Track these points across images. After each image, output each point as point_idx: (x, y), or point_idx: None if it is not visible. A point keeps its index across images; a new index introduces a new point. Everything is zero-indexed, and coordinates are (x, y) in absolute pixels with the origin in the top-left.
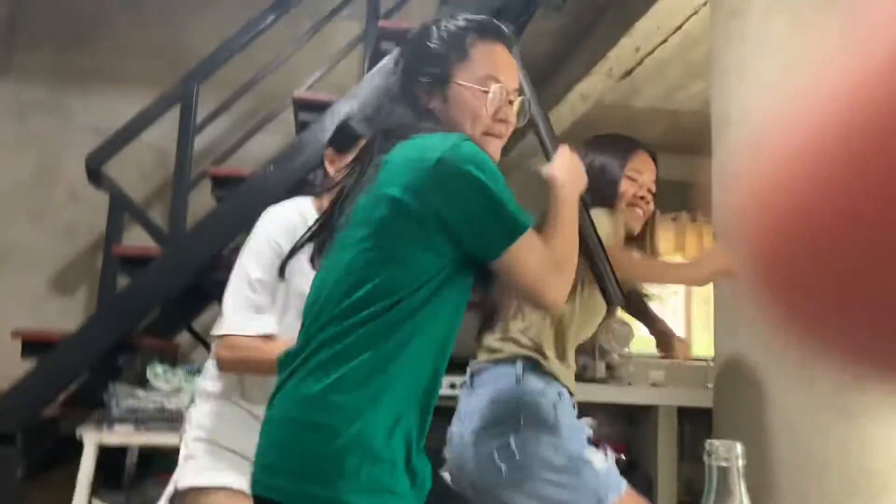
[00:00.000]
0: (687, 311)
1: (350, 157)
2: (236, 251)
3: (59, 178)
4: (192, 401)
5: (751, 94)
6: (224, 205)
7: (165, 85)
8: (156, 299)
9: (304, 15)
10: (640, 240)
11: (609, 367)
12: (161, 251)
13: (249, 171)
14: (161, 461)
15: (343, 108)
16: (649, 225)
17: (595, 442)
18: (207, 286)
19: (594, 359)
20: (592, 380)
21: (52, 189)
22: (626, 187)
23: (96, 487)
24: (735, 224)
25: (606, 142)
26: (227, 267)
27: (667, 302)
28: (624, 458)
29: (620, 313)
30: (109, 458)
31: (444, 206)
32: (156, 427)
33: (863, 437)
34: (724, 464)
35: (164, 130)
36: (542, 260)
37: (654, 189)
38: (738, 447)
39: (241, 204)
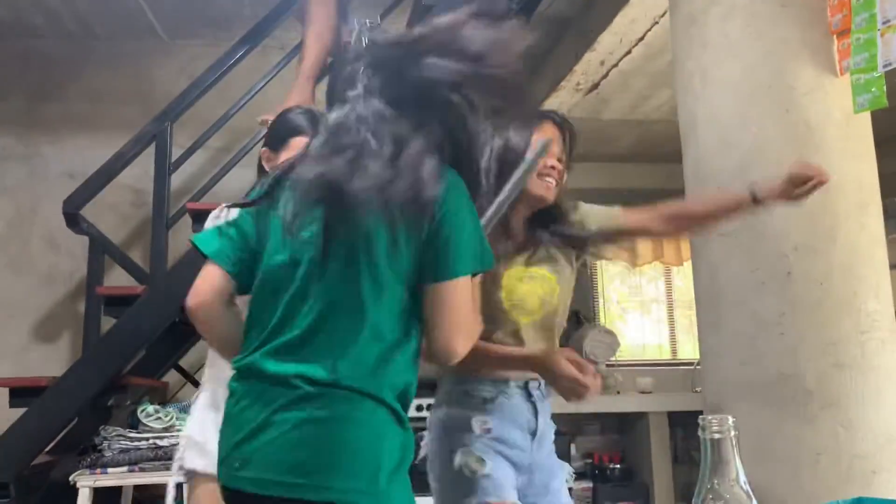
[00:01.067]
0: (670, 317)
1: (286, 155)
2: None
3: (35, 225)
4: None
5: (715, 97)
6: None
7: (137, 129)
8: (142, 338)
9: (274, 47)
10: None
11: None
12: (145, 290)
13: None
14: (156, 498)
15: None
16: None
17: None
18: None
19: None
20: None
21: (30, 237)
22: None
23: None
24: None
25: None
26: None
27: (649, 309)
28: (619, 466)
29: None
30: (104, 499)
31: None
32: (150, 467)
33: (848, 423)
34: (717, 436)
35: (140, 171)
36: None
37: (563, 158)
38: (731, 419)
39: None
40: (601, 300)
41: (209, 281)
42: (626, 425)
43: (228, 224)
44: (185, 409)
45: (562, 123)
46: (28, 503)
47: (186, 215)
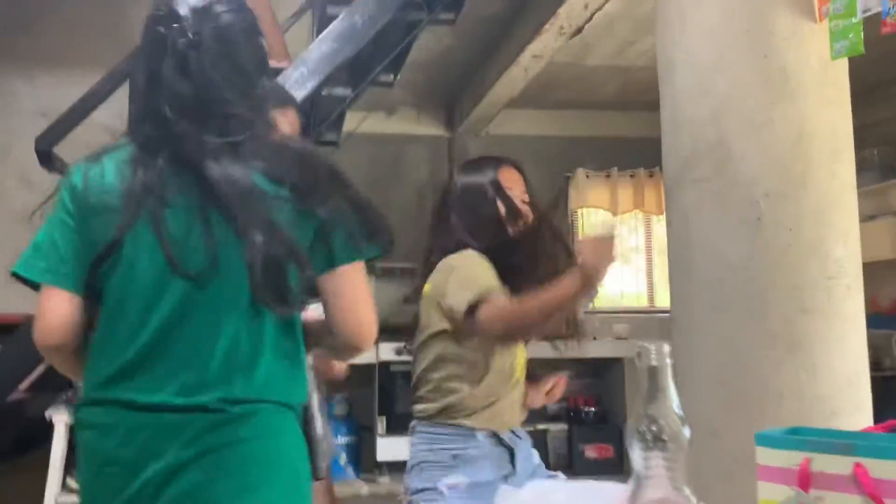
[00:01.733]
0: (648, 266)
1: None
2: None
3: (9, 164)
4: None
5: (693, 41)
6: None
7: (112, 66)
8: None
9: None
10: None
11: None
12: None
13: None
14: None
15: (293, 75)
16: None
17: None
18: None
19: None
20: (557, 336)
21: (4, 176)
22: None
23: (70, 468)
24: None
25: (472, 165)
26: None
27: (630, 259)
28: (594, 409)
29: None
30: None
31: None
32: None
33: (811, 367)
34: (654, 363)
35: (116, 109)
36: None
37: (527, 199)
38: (666, 347)
39: None
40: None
41: (55, 313)
42: (602, 370)
43: (45, 235)
44: None
45: (517, 166)
46: (3, 440)
47: None
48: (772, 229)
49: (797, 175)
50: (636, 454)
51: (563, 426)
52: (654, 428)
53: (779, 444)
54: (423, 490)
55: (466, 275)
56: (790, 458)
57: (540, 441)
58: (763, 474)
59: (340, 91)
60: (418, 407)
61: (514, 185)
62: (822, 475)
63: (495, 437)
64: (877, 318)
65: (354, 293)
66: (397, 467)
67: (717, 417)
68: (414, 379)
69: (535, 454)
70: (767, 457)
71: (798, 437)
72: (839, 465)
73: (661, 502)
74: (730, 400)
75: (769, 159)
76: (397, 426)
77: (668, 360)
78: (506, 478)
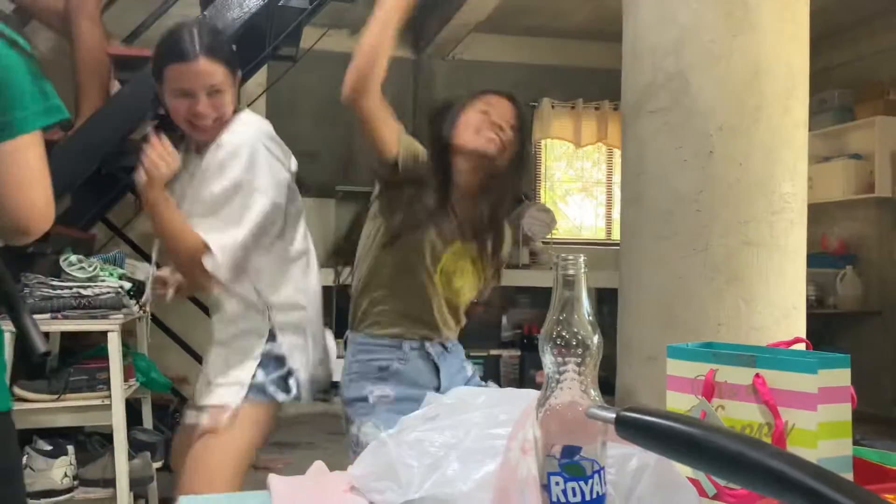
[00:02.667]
0: (608, 199)
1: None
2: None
3: None
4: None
5: None
6: (128, 87)
7: None
8: (62, 186)
9: None
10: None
11: (532, 254)
12: (64, 136)
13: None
14: (82, 350)
15: None
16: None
17: None
18: (117, 172)
19: (518, 246)
20: (516, 266)
21: None
22: (474, 116)
23: (16, 377)
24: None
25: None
26: (136, 152)
27: (592, 192)
28: None
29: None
30: (30, 350)
31: None
32: (73, 315)
33: (750, 298)
34: (571, 272)
35: None
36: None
37: (509, 125)
38: (582, 258)
39: (148, 86)
40: (544, 180)
41: None
42: None
43: None
44: (109, 261)
45: (510, 95)
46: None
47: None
48: (722, 163)
49: (751, 110)
50: (548, 360)
51: (516, 352)
52: (566, 335)
53: (688, 355)
54: (355, 400)
55: None
56: (697, 370)
57: (493, 366)
58: (672, 384)
59: (298, 2)
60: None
61: (492, 108)
62: (726, 385)
63: (421, 349)
64: (824, 258)
65: (24, 170)
66: None
67: (657, 343)
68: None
69: (468, 366)
70: (677, 368)
71: (705, 350)
72: (741, 376)
73: (568, 405)
74: (670, 327)
75: (725, 92)
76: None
77: (584, 271)
78: (437, 390)
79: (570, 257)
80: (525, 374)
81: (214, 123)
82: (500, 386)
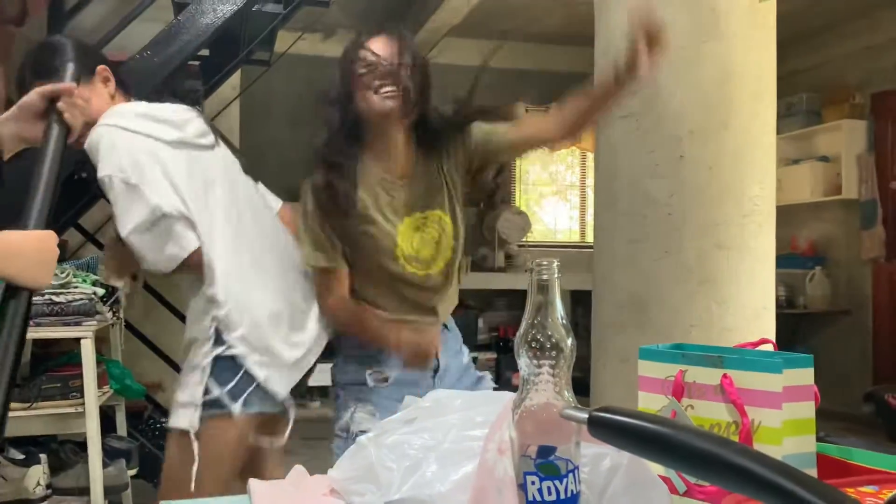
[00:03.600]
0: (582, 202)
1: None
2: None
3: None
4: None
5: None
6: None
7: None
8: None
9: None
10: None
11: (508, 257)
12: None
13: (126, 57)
14: (55, 357)
15: None
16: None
17: None
18: (90, 177)
19: (493, 249)
20: (492, 269)
21: None
22: (357, 74)
23: None
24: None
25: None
26: None
27: (566, 195)
28: None
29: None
30: None
31: None
32: (46, 322)
33: (721, 300)
34: (545, 277)
35: (37, 21)
36: None
37: (396, 62)
38: (556, 263)
39: None
40: (518, 183)
41: None
42: None
43: None
44: (82, 267)
45: (394, 33)
46: None
47: None
48: (692, 166)
49: (720, 114)
50: (523, 363)
51: (492, 354)
52: (540, 338)
53: (658, 357)
54: (350, 384)
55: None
56: (667, 370)
57: None
58: (644, 385)
59: (271, 7)
60: None
61: (380, 51)
62: (695, 385)
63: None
64: (794, 259)
65: None
66: (327, 392)
67: (630, 345)
68: None
69: (466, 352)
70: (648, 369)
71: (675, 351)
72: (709, 376)
73: (543, 406)
74: (642, 329)
75: (695, 97)
76: (329, 353)
77: (557, 276)
78: (434, 372)
79: (545, 262)
80: (502, 377)
81: (84, 129)
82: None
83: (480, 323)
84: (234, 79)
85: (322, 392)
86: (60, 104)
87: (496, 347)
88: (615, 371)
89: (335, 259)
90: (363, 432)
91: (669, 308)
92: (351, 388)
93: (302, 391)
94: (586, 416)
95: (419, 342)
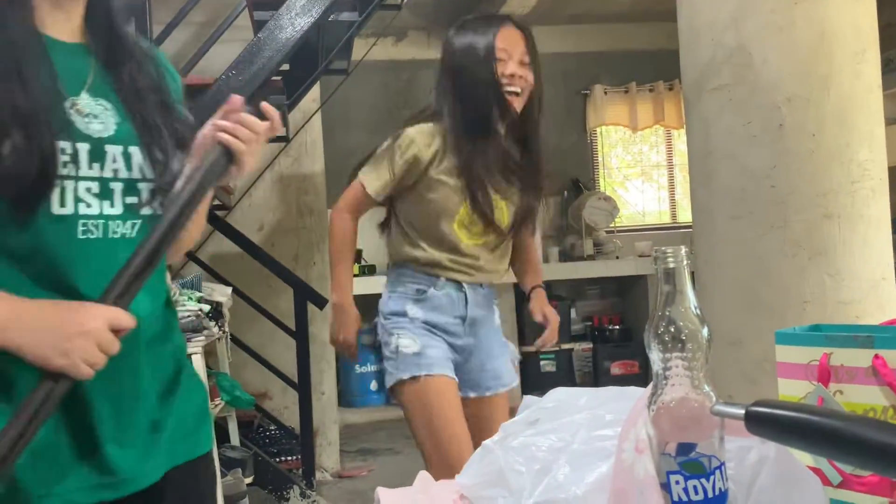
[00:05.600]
0: (670, 181)
1: None
2: None
3: None
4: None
5: None
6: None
7: None
8: None
9: None
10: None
11: (596, 244)
12: None
13: (211, 80)
14: None
15: (298, 2)
16: (536, 102)
17: None
18: None
19: (581, 237)
20: (581, 258)
21: None
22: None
23: None
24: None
25: (470, 23)
26: None
27: (651, 175)
28: (618, 327)
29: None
30: None
31: None
32: None
33: (835, 272)
34: (672, 265)
35: None
36: None
37: (527, 61)
38: (684, 249)
39: (208, 113)
40: (601, 168)
41: None
42: (625, 288)
43: None
44: (187, 285)
45: (521, 25)
46: None
47: None
48: (794, 135)
49: (820, 78)
50: (655, 356)
51: (587, 344)
52: (672, 329)
53: (798, 340)
54: (394, 314)
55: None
56: (810, 354)
57: (565, 359)
58: (783, 371)
59: (347, 16)
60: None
61: (511, 45)
62: (842, 369)
63: (454, 282)
64: None
65: None
66: None
67: (740, 326)
68: None
69: (497, 312)
70: (787, 354)
71: (817, 334)
72: (858, 358)
73: (680, 401)
74: (752, 309)
75: (790, 63)
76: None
77: (686, 262)
78: (462, 320)
79: (670, 250)
80: (599, 367)
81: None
82: (575, 380)
83: (573, 314)
84: (314, 91)
85: None
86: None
87: (591, 337)
88: (725, 355)
89: (376, 188)
90: (407, 351)
91: (779, 285)
92: (392, 318)
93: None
94: (742, 411)
95: (338, 337)
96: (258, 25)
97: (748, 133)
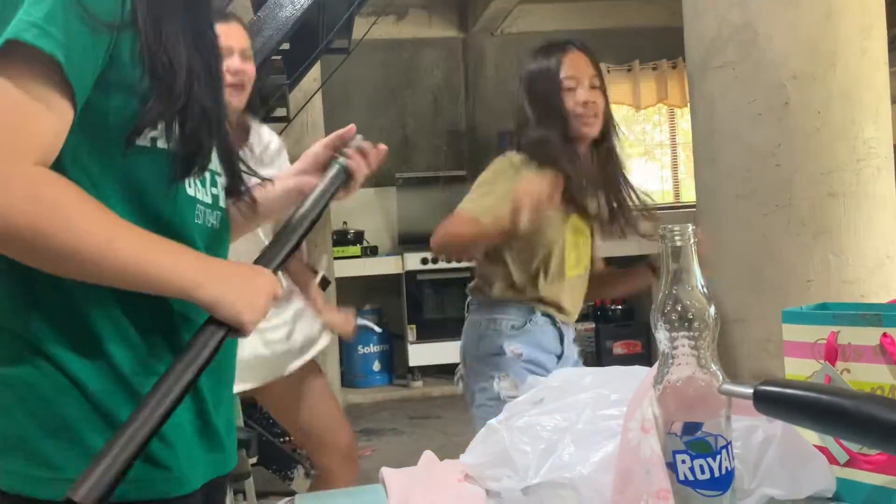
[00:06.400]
0: (673, 161)
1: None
2: None
3: None
4: None
5: None
6: None
7: None
8: None
9: None
10: (606, 138)
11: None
12: None
13: None
14: None
15: None
16: (611, 122)
17: None
18: None
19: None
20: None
21: None
22: (566, 101)
23: None
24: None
25: (541, 50)
26: None
27: (654, 155)
28: (621, 307)
29: None
30: None
31: None
32: None
33: (839, 251)
34: (678, 243)
35: None
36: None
37: (597, 84)
38: (691, 227)
39: None
40: None
41: None
42: (629, 268)
43: None
44: None
45: (585, 48)
46: None
47: None
48: (799, 113)
49: (826, 54)
50: (662, 335)
51: (590, 324)
52: (679, 308)
53: (805, 319)
54: (490, 355)
55: (479, 182)
56: (817, 333)
57: None
58: (790, 350)
59: None
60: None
61: (579, 71)
62: (850, 347)
63: (549, 317)
64: None
65: None
66: (429, 372)
67: (744, 306)
68: None
69: (576, 350)
70: (794, 333)
71: (825, 312)
72: (866, 336)
73: (687, 381)
74: (756, 288)
75: (796, 39)
76: (427, 333)
77: (693, 240)
78: (558, 358)
79: (677, 227)
80: (601, 347)
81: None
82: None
83: None
84: (315, 70)
85: (424, 371)
86: (348, 150)
87: (594, 317)
88: (729, 333)
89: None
90: (508, 396)
91: (783, 264)
92: (489, 360)
93: (403, 371)
94: (751, 391)
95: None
96: (257, 4)
97: (753, 111)
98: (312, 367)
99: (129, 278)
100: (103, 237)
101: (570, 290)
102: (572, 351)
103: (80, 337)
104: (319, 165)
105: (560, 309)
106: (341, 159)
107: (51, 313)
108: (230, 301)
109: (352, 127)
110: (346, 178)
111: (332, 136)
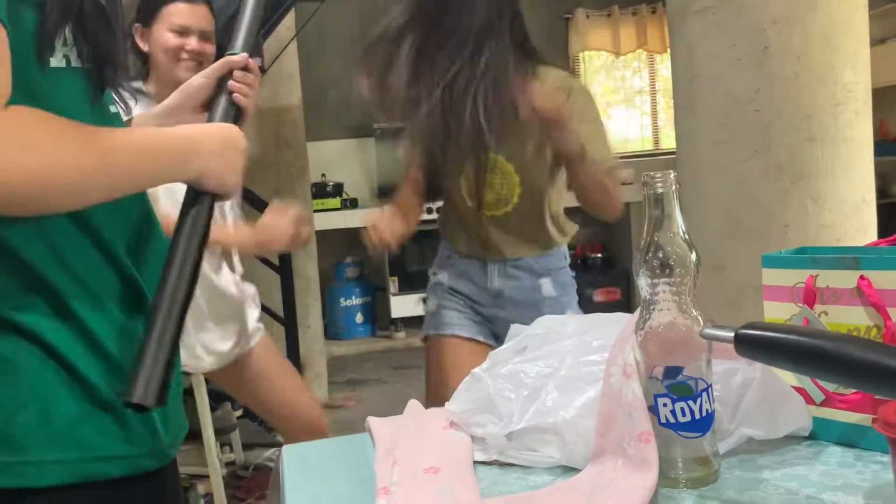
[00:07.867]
0: (653, 108)
1: (161, 28)
2: None
3: None
4: None
5: None
6: None
7: None
8: None
9: None
10: None
11: None
12: None
13: None
14: None
15: None
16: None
17: None
18: None
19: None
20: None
21: None
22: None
23: None
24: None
25: None
26: None
27: (634, 102)
28: (600, 256)
29: None
30: None
31: None
32: None
33: (817, 196)
34: (660, 190)
35: None
36: None
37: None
38: (672, 174)
39: None
40: None
41: None
42: None
43: None
44: None
45: None
46: None
47: None
48: (779, 58)
49: None
50: (643, 282)
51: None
52: (660, 255)
53: (784, 263)
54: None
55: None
56: (795, 277)
57: None
58: (769, 294)
59: None
60: None
61: None
62: (828, 290)
63: (474, 254)
64: (885, 145)
65: None
66: (411, 323)
67: (722, 251)
68: None
69: (545, 285)
70: (773, 277)
71: (803, 256)
72: (844, 279)
73: (668, 326)
74: (734, 234)
75: None
76: (408, 285)
77: (674, 187)
78: (489, 292)
79: (659, 175)
80: (581, 295)
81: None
82: None
83: None
84: (289, 19)
85: (406, 323)
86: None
87: (573, 266)
88: (707, 279)
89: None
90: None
91: (761, 209)
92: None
93: (386, 323)
94: (732, 334)
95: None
96: None
97: (733, 56)
98: (265, 346)
99: (121, 192)
100: (97, 164)
101: (498, 228)
102: (531, 294)
103: (48, 302)
104: (198, 102)
105: (485, 246)
106: (237, 99)
107: (12, 280)
108: (214, 170)
109: (244, 56)
110: (237, 114)
111: (219, 63)
